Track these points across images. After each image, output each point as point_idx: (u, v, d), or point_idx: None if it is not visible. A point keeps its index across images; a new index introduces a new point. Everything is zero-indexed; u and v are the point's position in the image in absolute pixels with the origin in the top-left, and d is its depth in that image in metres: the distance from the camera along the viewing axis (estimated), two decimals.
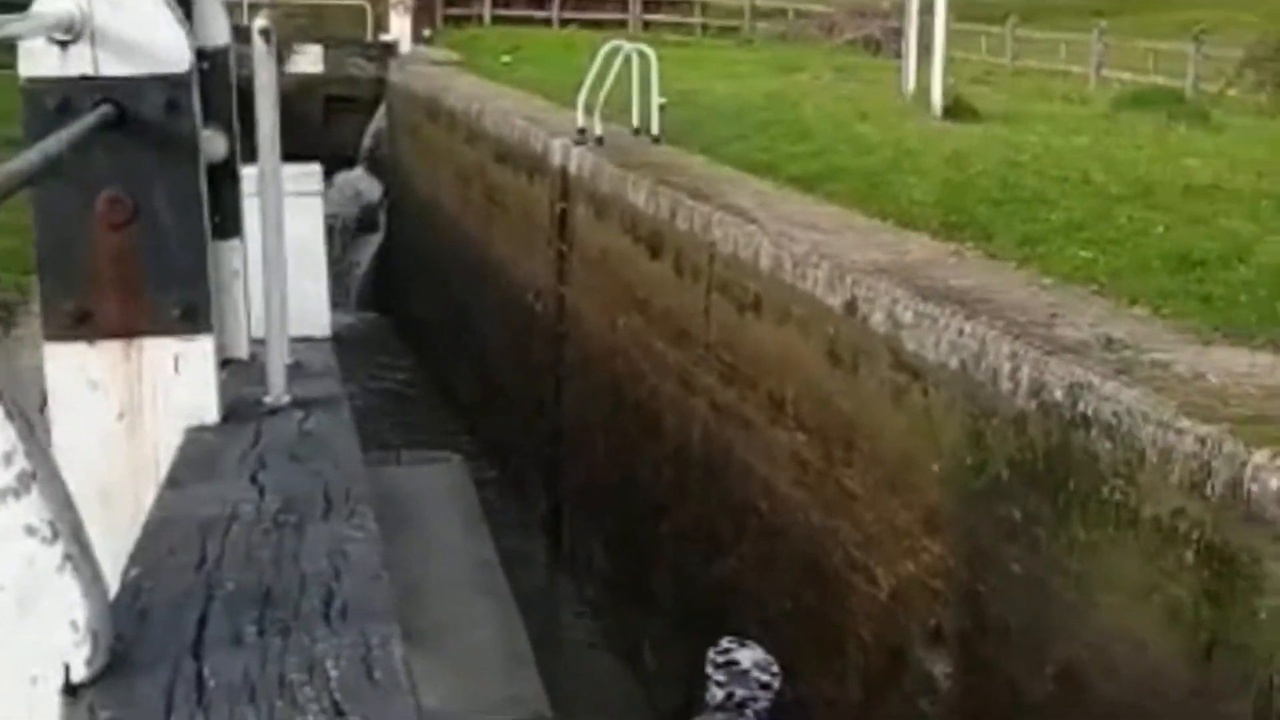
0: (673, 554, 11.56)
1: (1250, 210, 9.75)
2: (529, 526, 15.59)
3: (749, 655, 6.98)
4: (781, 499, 9.54)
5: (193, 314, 3.63)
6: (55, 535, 2.03)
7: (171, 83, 3.54)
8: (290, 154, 6.52)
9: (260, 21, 3.94)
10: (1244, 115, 19.15)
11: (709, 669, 6.99)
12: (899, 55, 19.18)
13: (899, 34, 21.86)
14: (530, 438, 16.06)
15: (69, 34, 3.44)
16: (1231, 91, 23.33)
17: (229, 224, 4.58)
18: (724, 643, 7.10)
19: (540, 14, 39.26)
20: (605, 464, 13.41)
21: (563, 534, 14.89)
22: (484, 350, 18.92)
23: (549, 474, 15.27)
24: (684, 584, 11.21)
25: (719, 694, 6.89)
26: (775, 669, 6.96)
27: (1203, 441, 5.73)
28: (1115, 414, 6.25)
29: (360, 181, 29.12)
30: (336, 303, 24.09)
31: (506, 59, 27.55)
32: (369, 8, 35.07)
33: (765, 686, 6.89)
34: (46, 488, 2.02)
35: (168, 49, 3.53)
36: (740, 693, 6.87)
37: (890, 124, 14.50)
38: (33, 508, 2.01)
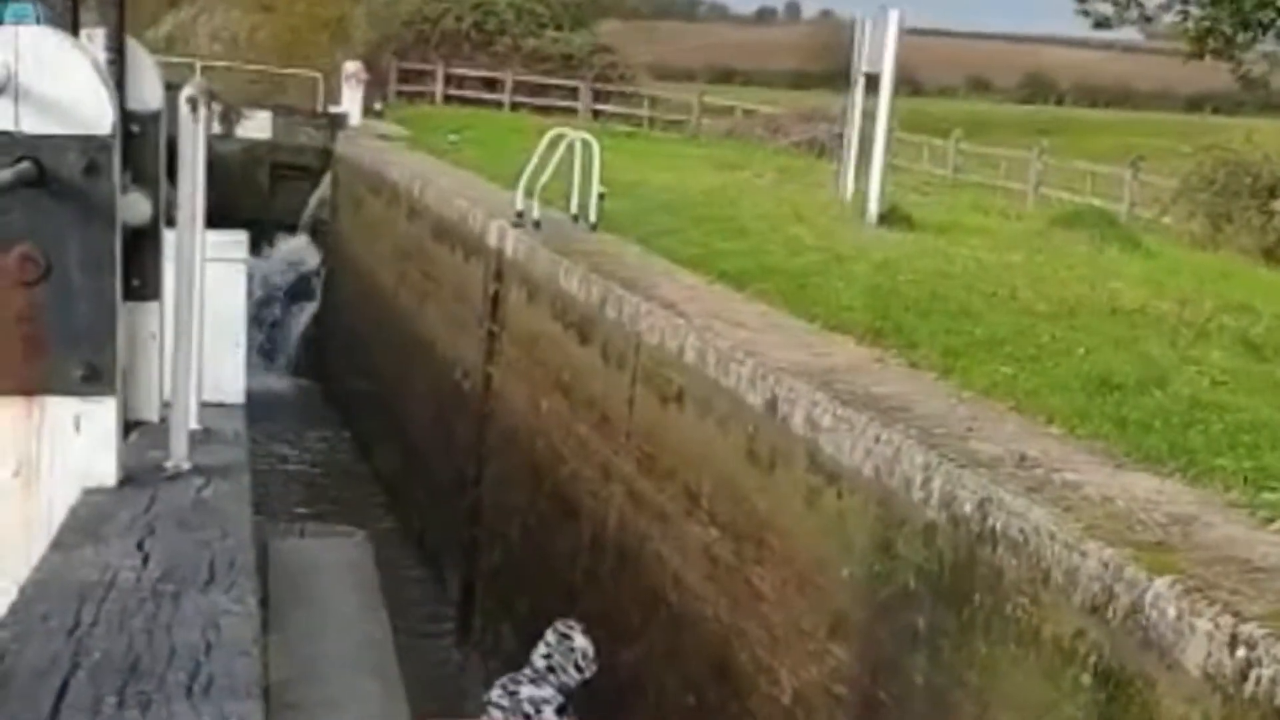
0: None
1: (1171, 337, 9.88)
2: (441, 605, 15.50)
3: (582, 641, 8.36)
4: (691, 592, 9.53)
5: (97, 375, 3.61)
6: None
7: (92, 144, 3.54)
8: (234, 219, 6.52)
9: (188, 90, 3.95)
10: (1175, 243, 19.46)
11: (548, 633, 8.38)
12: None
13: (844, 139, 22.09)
14: (449, 516, 15.99)
15: None
16: (1165, 219, 23.68)
17: (148, 287, 4.56)
18: (571, 621, 8.57)
19: (492, 96, 39.47)
20: (521, 546, 13.36)
21: (474, 614, 14.80)
22: (409, 425, 18.86)
23: (465, 553, 15.19)
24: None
25: (540, 653, 8.28)
26: (595, 665, 8.34)
27: (1106, 565, 5.77)
28: (1023, 531, 6.29)
29: (300, 249, 29.12)
30: (268, 368, 23.81)
31: (453, 138, 27.68)
32: (322, 79, 35.19)
33: (580, 669, 8.27)
34: None
35: (91, 111, 3.53)
36: (558, 662, 8.24)
37: (825, 227, 14.63)
38: None
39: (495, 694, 8.35)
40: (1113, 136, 38.77)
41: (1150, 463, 7.09)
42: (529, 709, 8.21)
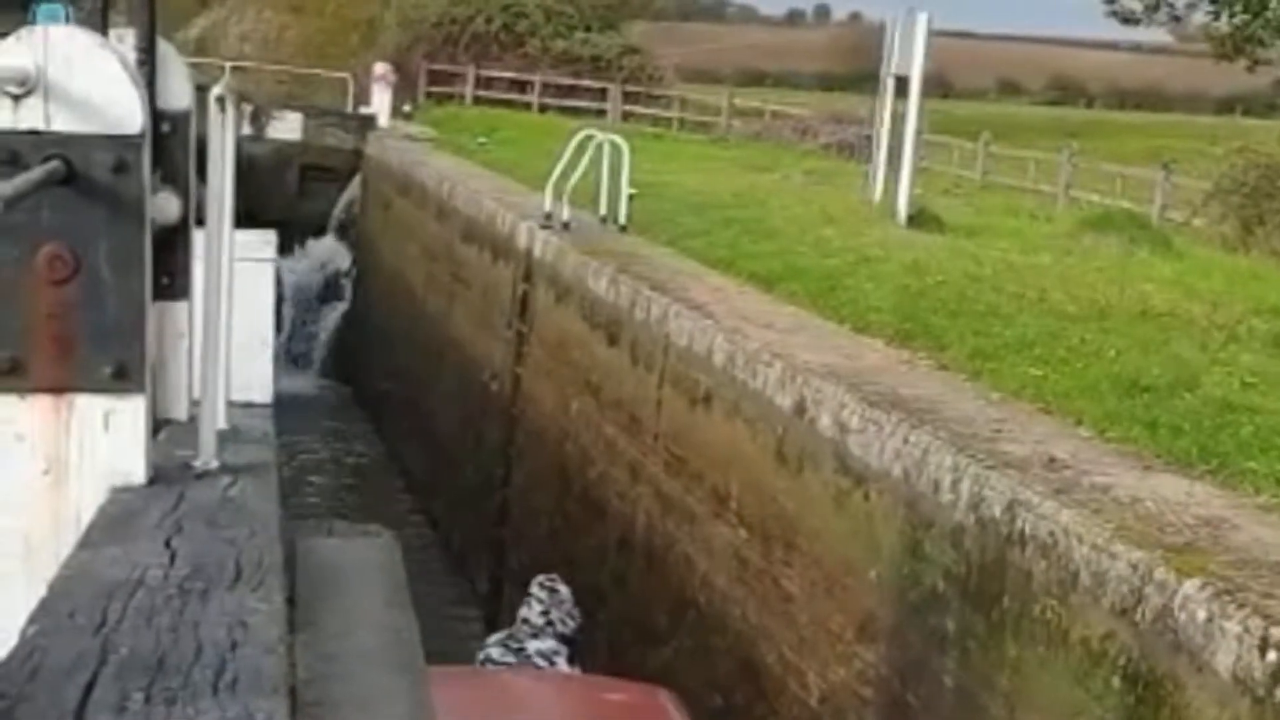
0: (609, 641, 11.50)
1: (1202, 340, 9.83)
2: (469, 604, 15.51)
3: (567, 591, 8.89)
4: (719, 593, 9.52)
5: (126, 373, 3.60)
6: None
7: (122, 143, 3.53)
8: (264, 220, 6.54)
9: (217, 89, 3.95)
10: (1207, 246, 19.33)
11: (534, 590, 8.85)
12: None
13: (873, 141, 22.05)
14: (477, 516, 16.00)
15: (22, 88, 3.45)
16: (1197, 221, 23.54)
17: (178, 286, 4.56)
18: (551, 575, 9.07)
19: (522, 97, 39.47)
20: (549, 546, 13.36)
21: (502, 614, 14.80)
22: (438, 426, 18.89)
23: (493, 553, 15.20)
24: (618, 672, 11.14)
25: (536, 609, 8.72)
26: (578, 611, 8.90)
27: (1135, 567, 5.75)
28: (1052, 533, 6.27)
29: (330, 250, 29.18)
30: (298, 369, 23.86)
31: (482, 140, 27.71)
32: (351, 80, 35.28)
33: (573, 618, 8.79)
34: None
35: (121, 109, 3.53)
36: (555, 614, 8.70)
37: (854, 229, 14.60)
38: None
39: (495, 652, 8.58)
40: (1142, 139, 38.61)
41: (1180, 465, 7.07)
42: (541, 662, 8.49)
